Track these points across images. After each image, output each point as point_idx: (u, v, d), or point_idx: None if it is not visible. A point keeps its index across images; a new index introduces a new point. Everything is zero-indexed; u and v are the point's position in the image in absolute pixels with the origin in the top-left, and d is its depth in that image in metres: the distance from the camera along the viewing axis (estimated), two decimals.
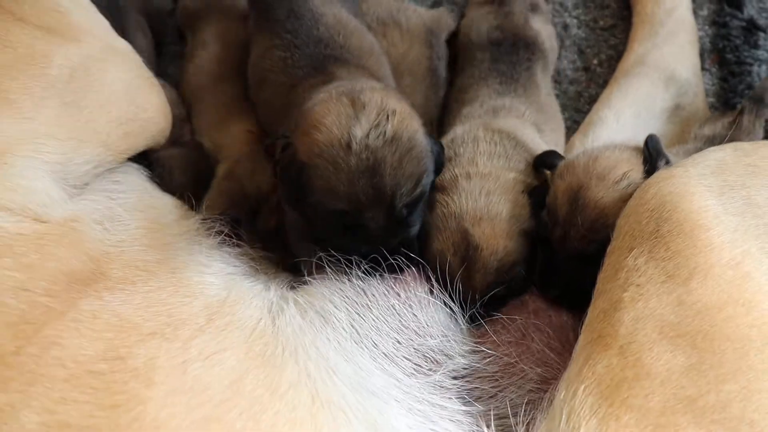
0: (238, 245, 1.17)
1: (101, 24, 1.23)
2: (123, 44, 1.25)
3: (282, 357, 0.92)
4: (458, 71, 1.54)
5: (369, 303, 1.05)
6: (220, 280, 1.03)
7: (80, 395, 0.80)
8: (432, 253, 1.12)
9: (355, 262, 1.06)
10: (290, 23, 1.30)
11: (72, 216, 1.00)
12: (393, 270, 1.08)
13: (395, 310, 1.07)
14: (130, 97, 1.20)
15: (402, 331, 1.04)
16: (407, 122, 1.07)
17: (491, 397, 1.00)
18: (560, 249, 1.13)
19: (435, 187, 1.17)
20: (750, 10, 1.67)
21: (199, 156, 1.40)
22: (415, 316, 1.07)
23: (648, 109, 1.54)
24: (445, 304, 1.09)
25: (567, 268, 1.12)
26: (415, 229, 1.12)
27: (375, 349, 1.01)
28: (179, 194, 1.25)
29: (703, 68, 1.65)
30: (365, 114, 1.05)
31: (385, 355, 1.00)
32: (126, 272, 0.96)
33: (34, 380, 0.80)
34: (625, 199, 1.06)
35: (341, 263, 1.07)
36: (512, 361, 1.05)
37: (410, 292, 1.08)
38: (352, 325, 1.01)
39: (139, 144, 1.23)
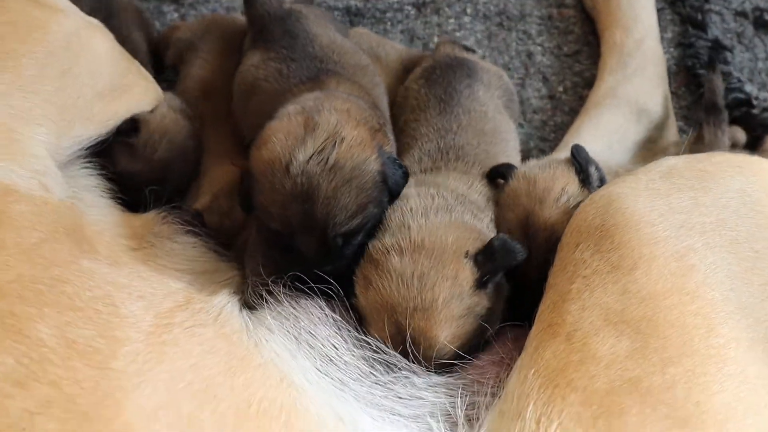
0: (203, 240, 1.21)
1: (72, 5, 1.27)
2: (94, 20, 1.28)
3: (248, 341, 0.96)
4: (397, 116, 1.42)
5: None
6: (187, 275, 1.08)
7: (83, 323, 0.85)
8: (372, 333, 1.03)
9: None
10: (285, 41, 1.33)
11: (70, 195, 1.06)
12: (321, 281, 1.04)
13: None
14: (114, 64, 1.24)
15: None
16: (355, 151, 1.05)
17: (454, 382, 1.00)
18: (526, 279, 1.10)
19: (370, 258, 1.07)
20: (714, 30, 1.72)
21: (191, 136, 1.40)
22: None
23: (620, 141, 1.56)
24: None
25: (538, 292, 1.05)
26: (351, 255, 1.07)
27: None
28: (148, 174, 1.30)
29: (671, 91, 1.67)
30: (313, 137, 1.04)
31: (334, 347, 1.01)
32: (111, 251, 1.01)
33: (46, 302, 0.85)
34: (569, 212, 1.08)
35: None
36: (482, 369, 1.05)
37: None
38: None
39: (122, 112, 1.26)
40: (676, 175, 1.02)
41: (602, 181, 1.19)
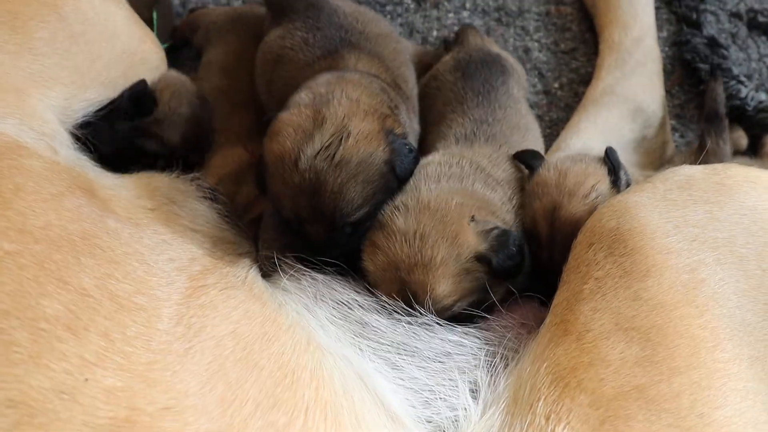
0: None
1: None
2: None
3: (274, 302, 0.99)
4: (429, 105, 1.45)
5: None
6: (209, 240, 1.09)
7: (122, 277, 0.87)
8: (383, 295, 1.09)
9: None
10: (310, 12, 1.35)
11: (76, 156, 1.06)
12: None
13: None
14: (130, 31, 1.27)
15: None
16: (361, 145, 1.09)
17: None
18: (549, 269, 1.12)
19: (378, 224, 1.13)
20: (709, 29, 1.74)
21: (203, 104, 1.42)
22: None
23: (616, 138, 1.56)
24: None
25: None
26: (361, 238, 1.13)
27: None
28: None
29: (665, 90, 1.69)
30: (321, 132, 1.08)
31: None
32: (129, 212, 1.01)
33: (82, 252, 0.86)
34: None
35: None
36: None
37: None
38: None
39: (135, 77, 1.28)
40: (694, 186, 1.04)
41: (629, 186, 1.21)
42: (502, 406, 0.91)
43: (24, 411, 0.69)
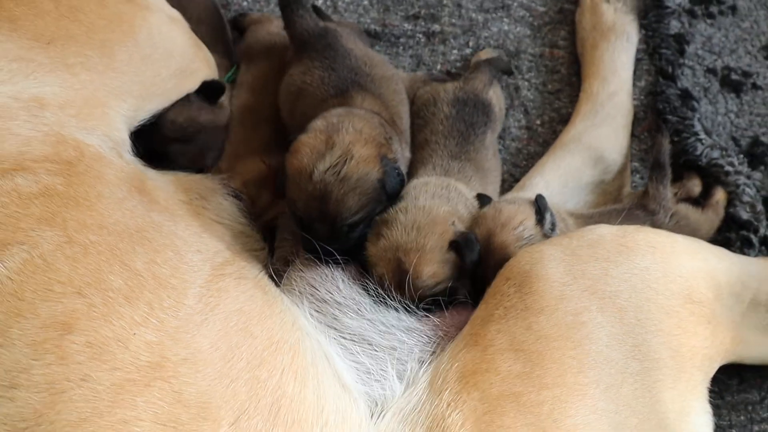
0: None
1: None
2: (174, 11, 1.59)
3: (275, 291, 1.33)
4: (420, 126, 1.73)
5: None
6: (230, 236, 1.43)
7: (162, 263, 1.19)
8: (377, 275, 1.41)
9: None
10: (328, 53, 1.61)
11: (131, 158, 1.37)
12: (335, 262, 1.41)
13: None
14: (185, 52, 1.56)
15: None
16: (361, 166, 1.38)
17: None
18: (482, 282, 1.41)
19: (382, 221, 1.45)
20: (684, 82, 1.90)
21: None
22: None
23: (575, 181, 1.77)
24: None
25: None
26: (356, 237, 1.43)
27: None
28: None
29: (633, 135, 1.85)
30: (331, 153, 1.37)
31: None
32: (168, 203, 1.32)
33: (137, 242, 1.19)
34: (521, 241, 1.41)
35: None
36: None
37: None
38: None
39: (187, 90, 1.58)
40: (600, 245, 1.31)
41: (553, 226, 1.48)
42: (420, 389, 1.24)
43: (95, 351, 1.04)
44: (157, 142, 1.58)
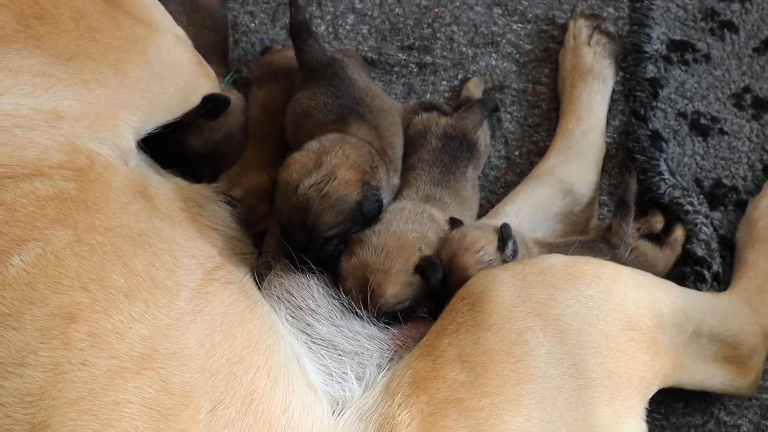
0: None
1: (168, 17, 1.69)
2: (181, 31, 1.71)
3: (258, 296, 1.48)
4: (410, 152, 1.83)
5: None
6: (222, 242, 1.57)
7: (160, 266, 1.32)
8: (345, 289, 1.53)
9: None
10: (334, 81, 1.73)
11: (137, 163, 1.48)
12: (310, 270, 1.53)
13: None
14: (190, 69, 1.66)
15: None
16: (342, 187, 1.50)
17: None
18: (443, 298, 1.52)
19: (357, 240, 1.56)
20: (655, 124, 1.99)
21: (242, 125, 1.85)
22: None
23: (544, 211, 1.85)
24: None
25: None
26: (330, 251, 1.54)
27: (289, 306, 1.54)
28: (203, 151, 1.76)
29: (604, 170, 1.94)
30: (317, 172, 1.49)
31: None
32: (168, 209, 1.45)
33: (138, 245, 1.32)
34: (481, 264, 1.51)
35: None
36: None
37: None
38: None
39: (191, 104, 1.67)
40: (550, 273, 1.41)
41: (515, 252, 1.58)
42: (376, 391, 1.38)
43: (95, 340, 1.18)
44: (188, 164, 1.72)
